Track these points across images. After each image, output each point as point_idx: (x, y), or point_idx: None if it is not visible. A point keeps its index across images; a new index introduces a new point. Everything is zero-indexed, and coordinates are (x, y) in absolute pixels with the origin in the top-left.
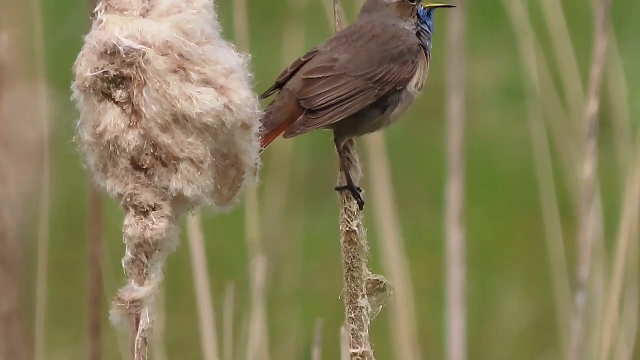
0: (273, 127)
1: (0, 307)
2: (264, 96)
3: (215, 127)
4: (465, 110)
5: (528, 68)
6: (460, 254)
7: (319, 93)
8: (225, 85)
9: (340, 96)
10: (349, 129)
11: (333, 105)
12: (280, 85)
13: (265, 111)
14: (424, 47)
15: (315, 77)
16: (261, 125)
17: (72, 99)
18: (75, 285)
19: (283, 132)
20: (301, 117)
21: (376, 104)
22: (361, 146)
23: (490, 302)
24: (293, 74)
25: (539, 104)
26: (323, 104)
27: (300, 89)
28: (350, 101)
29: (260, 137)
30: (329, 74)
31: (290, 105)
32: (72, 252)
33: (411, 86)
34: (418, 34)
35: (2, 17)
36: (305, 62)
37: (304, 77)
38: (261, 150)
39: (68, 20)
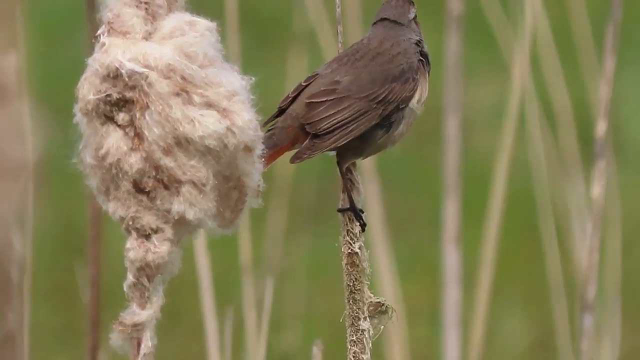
0: (276, 148)
1: None
2: (267, 122)
3: (218, 149)
4: (463, 131)
5: (516, 91)
6: (457, 274)
7: (323, 117)
8: (228, 107)
9: (345, 118)
10: (354, 150)
11: (338, 128)
12: (282, 111)
13: (268, 131)
14: (425, 58)
15: (318, 100)
16: (264, 147)
17: (74, 122)
18: (75, 308)
19: (289, 155)
20: (307, 141)
21: (380, 123)
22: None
23: (489, 323)
24: (295, 98)
25: (526, 127)
26: (328, 128)
27: (304, 113)
28: (355, 123)
29: (263, 158)
30: (331, 97)
31: (294, 128)
32: (72, 275)
33: (413, 103)
34: (422, 45)
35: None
36: (306, 86)
37: (307, 101)
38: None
39: (68, 42)
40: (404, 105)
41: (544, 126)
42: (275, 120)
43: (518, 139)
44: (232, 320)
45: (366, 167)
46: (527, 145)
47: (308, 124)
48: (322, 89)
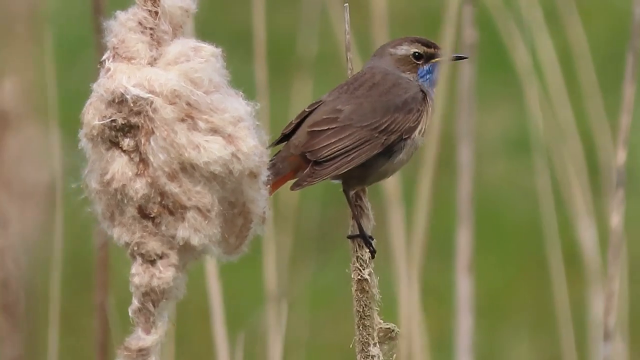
0: (278, 177)
1: (3, 354)
2: (270, 147)
3: (223, 175)
4: (474, 159)
5: (534, 119)
6: (469, 302)
7: (324, 145)
8: (233, 133)
9: (346, 147)
10: (357, 179)
11: (339, 156)
12: (285, 136)
13: (271, 161)
14: (426, 93)
15: (319, 129)
16: (269, 173)
17: (79, 147)
18: (83, 334)
19: (290, 183)
20: (307, 169)
21: (382, 152)
22: (377, 195)
23: (497, 350)
24: (298, 124)
25: (544, 155)
26: (329, 155)
27: (306, 142)
28: (356, 151)
29: (268, 185)
30: (333, 126)
31: (296, 156)
32: (79, 301)
33: (416, 134)
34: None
35: (10, 62)
36: (309, 113)
37: (309, 130)
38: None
39: (77, 66)
40: (407, 136)
41: (552, 155)
42: (278, 148)
43: (526, 168)
44: (243, 346)
45: (390, 192)
46: (534, 174)
47: (309, 151)
48: (324, 117)
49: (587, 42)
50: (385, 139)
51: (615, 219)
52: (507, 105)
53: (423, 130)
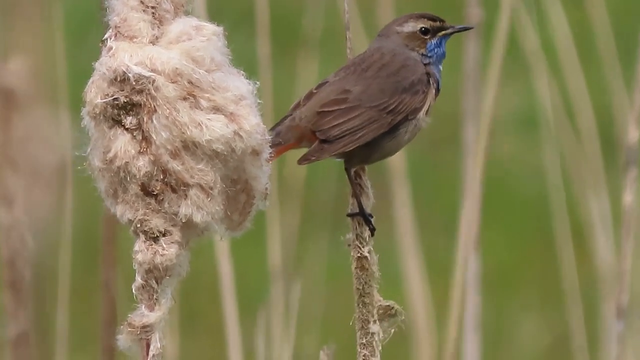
0: (280, 146)
1: (9, 331)
2: (275, 126)
3: (225, 153)
4: (481, 137)
5: (541, 97)
6: (477, 278)
7: (334, 124)
8: (235, 111)
9: (355, 126)
10: (361, 157)
11: (347, 135)
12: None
13: (273, 129)
14: (431, 75)
15: (329, 109)
16: (270, 150)
17: (82, 125)
18: (90, 310)
19: (294, 154)
20: (315, 144)
21: (387, 132)
22: (382, 172)
23: (505, 326)
24: (305, 105)
25: (552, 133)
26: (338, 135)
27: (315, 121)
28: (364, 130)
29: (269, 162)
30: (342, 106)
31: (301, 128)
32: (86, 277)
33: (421, 114)
34: (426, 64)
35: (20, 42)
36: (316, 93)
37: (318, 110)
38: None
39: (87, 44)
40: (412, 117)
41: (564, 131)
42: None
43: (536, 144)
44: (250, 322)
45: (396, 170)
46: (545, 150)
47: (319, 131)
48: (332, 98)
49: (604, 16)
50: (391, 119)
51: (628, 197)
52: (516, 83)
53: (427, 111)
